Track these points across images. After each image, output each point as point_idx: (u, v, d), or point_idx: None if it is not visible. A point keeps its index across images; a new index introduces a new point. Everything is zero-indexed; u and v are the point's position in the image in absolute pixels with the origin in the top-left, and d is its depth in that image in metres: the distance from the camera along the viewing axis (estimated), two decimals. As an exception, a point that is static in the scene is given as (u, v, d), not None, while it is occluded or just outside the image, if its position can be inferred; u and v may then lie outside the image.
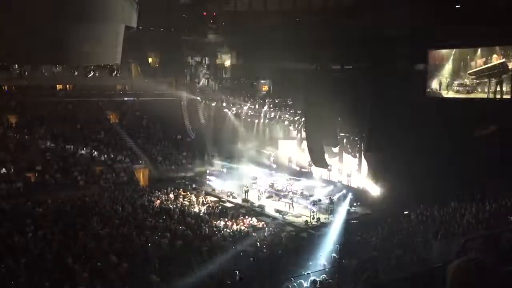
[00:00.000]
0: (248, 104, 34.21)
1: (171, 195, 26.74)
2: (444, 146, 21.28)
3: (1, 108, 33.24)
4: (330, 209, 24.47)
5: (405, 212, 21.64)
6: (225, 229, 20.60)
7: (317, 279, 11.35)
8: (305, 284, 11.31)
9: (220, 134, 35.66)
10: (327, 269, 13.36)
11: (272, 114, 32.69)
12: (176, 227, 20.35)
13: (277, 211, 25.02)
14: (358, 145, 27.61)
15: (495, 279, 2.20)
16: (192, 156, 34.82)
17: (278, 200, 26.82)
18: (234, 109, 35.23)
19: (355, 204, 25.35)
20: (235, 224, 21.82)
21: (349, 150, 28.47)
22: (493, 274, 2.23)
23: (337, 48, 25.77)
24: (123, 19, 18.71)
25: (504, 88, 21.75)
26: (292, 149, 33.19)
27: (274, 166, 32.94)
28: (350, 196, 25.62)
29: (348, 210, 24.62)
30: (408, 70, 25.67)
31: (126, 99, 38.77)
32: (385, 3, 24.52)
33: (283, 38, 28.16)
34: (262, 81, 36.78)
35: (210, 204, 25.83)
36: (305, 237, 21.55)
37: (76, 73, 36.48)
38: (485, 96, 22.49)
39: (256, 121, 34.15)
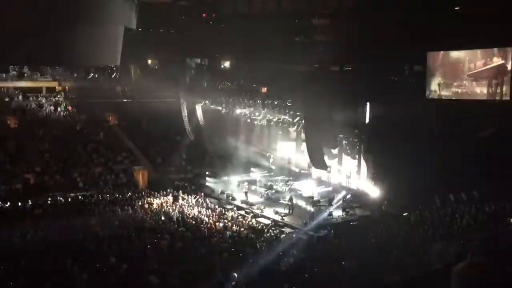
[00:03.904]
0: (248, 106, 34.22)
1: (170, 197, 26.72)
2: (444, 148, 21.29)
3: (0, 109, 33.23)
4: (329, 211, 24.43)
5: (404, 214, 21.65)
6: (224, 231, 20.57)
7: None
8: None
9: (219, 135, 35.66)
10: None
11: (271, 116, 32.71)
12: (175, 228, 20.35)
13: (276, 212, 24.99)
14: (358, 147, 27.64)
15: (501, 282, 2.21)
16: (192, 157, 34.80)
17: (277, 202, 26.77)
18: (233, 110, 35.26)
19: (354, 205, 25.32)
20: (234, 225, 21.80)
21: (348, 151, 28.49)
22: (499, 277, 2.23)
23: (336, 49, 25.79)
24: (122, 21, 18.72)
25: (504, 90, 21.76)
26: (291, 150, 33.21)
27: (273, 167, 32.95)
28: (349, 197, 25.62)
29: (348, 211, 24.62)
30: (407, 72, 25.70)
31: (125, 100, 38.75)
32: (385, 4, 24.54)
33: (282, 40, 28.15)
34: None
35: (210, 206, 25.80)
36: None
37: (75, 74, 36.62)
38: (484, 97, 22.50)
39: (256, 122, 34.16)
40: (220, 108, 36.39)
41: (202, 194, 28.52)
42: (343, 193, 26.26)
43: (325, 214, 24.14)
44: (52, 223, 20.57)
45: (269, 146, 34.43)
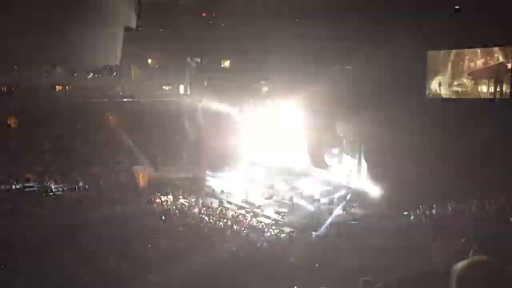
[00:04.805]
0: (248, 105, 34.24)
1: (171, 196, 26.73)
2: (444, 147, 21.28)
3: (0, 109, 33.24)
4: (330, 210, 24.44)
5: (405, 213, 21.63)
6: (225, 230, 20.58)
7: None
8: None
9: (219, 135, 35.66)
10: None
11: (272, 115, 32.71)
12: (175, 228, 20.36)
13: (277, 211, 24.99)
14: (358, 146, 27.62)
15: (501, 280, 2.20)
16: (192, 157, 34.81)
17: (278, 201, 26.78)
18: (234, 110, 35.27)
19: (354, 204, 25.32)
20: (235, 225, 21.81)
21: (349, 151, 28.49)
22: (500, 275, 2.22)
23: (337, 48, 25.78)
24: (122, 20, 18.75)
25: (503, 89, 21.76)
26: (292, 150, 33.20)
27: (274, 167, 32.94)
28: (348, 196, 25.60)
29: (348, 210, 24.62)
30: (407, 71, 25.66)
31: (125, 100, 38.75)
32: (385, 3, 24.54)
33: (282, 39, 28.16)
34: (262, 82, 36.76)
35: (210, 205, 25.82)
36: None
37: (75, 74, 36.66)
38: (484, 96, 22.50)
39: (256, 122, 34.14)
40: (220, 107, 36.36)
41: (203, 193, 28.57)
42: (343, 192, 26.27)
43: (326, 214, 24.17)
44: (52, 223, 20.59)
45: (270, 145, 34.39)
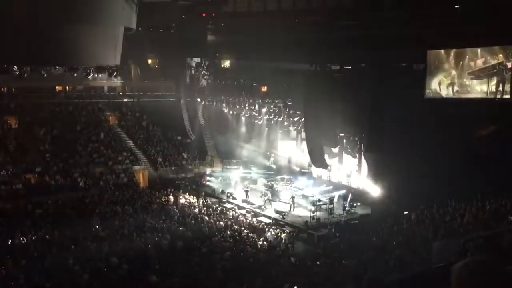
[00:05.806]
0: (248, 105, 34.24)
1: (171, 196, 26.73)
2: (444, 146, 21.26)
3: (1, 109, 33.27)
4: (330, 210, 24.44)
5: (405, 212, 21.64)
6: (225, 230, 20.58)
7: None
8: None
9: (219, 135, 35.72)
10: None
11: (272, 115, 32.73)
12: (176, 228, 20.36)
13: (277, 211, 25.00)
14: (358, 146, 27.63)
15: (500, 280, 2.21)
16: (192, 157, 34.85)
17: (278, 201, 26.77)
18: (233, 110, 35.28)
19: (354, 204, 25.33)
20: (235, 225, 21.81)
21: (349, 150, 28.51)
22: (499, 275, 2.23)
23: (336, 48, 25.77)
24: (122, 21, 18.74)
25: (504, 88, 21.73)
26: (292, 149, 33.23)
27: (274, 166, 32.96)
28: (349, 196, 25.60)
29: (348, 210, 24.62)
30: (407, 71, 25.65)
31: (125, 100, 38.79)
32: (385, 3, 24.52)
33: (282, 39, 28.15)
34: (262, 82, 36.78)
35: (210, 205, 25.81)
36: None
37: (75, 74, 36.61)
38: (485, 96, 22.48)
39: (256, 121, 34.17)
40: (220, 107, 36.40)
41: (203, 193, 28.56)
42: (343, 191, 26.26)
43: (326, 214, 24.18)
44: (53, 223, 20.61)
45: (270, 145, 34.45)
